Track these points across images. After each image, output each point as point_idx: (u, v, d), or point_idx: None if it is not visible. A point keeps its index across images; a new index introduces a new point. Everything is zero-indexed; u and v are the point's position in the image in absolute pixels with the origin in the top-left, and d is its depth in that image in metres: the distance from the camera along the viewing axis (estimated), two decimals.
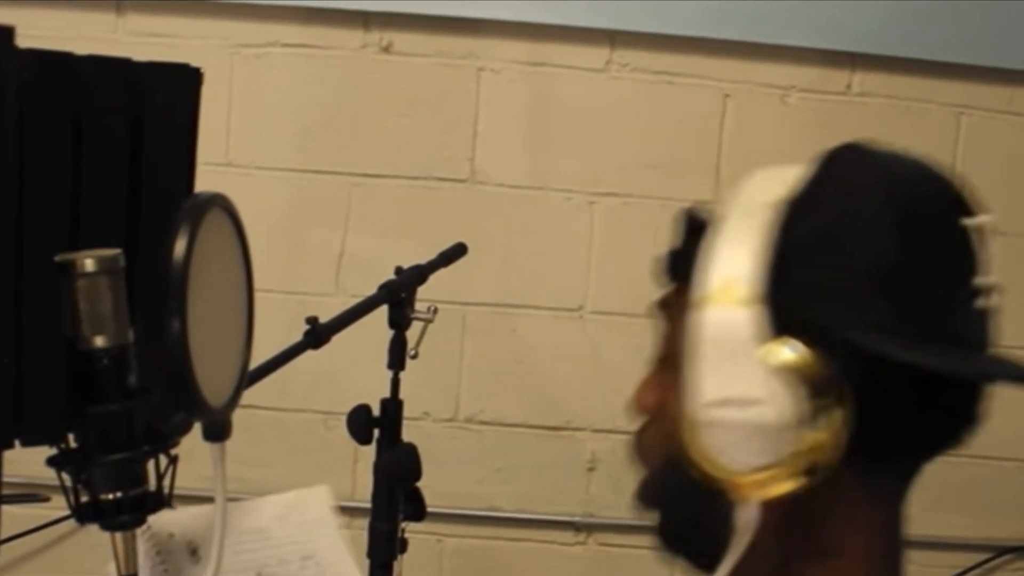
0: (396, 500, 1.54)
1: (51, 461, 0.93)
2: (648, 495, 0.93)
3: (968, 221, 0.82)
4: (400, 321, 1.55)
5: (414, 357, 1.57)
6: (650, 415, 0.95)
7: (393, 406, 1.57)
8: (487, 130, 2.30)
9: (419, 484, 1.60)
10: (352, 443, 1.59)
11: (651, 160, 2.30)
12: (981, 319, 0.83)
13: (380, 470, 1.54)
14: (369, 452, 1.61)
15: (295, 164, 2.30)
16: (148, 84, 1.02)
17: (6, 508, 1.07)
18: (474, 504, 2.39)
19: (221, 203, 0.89)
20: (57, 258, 0.90)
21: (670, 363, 0.89)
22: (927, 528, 2.38)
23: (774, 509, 0.79)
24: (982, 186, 2.54)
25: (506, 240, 2.35)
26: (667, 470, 0.88)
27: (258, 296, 2.01)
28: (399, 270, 1.60)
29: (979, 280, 0.81)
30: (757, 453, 0.78)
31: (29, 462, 0.96)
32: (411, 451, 1.54)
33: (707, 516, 0.84)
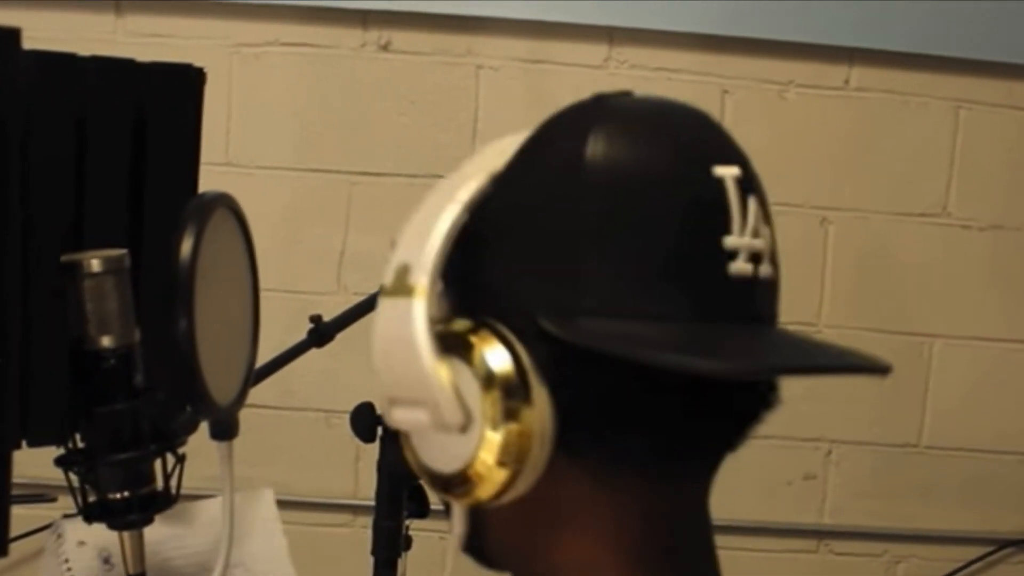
0: (399, 497, 1.54)
1: (59, 461, 0.94)
2: None
3: (720, 170, 0.70)
4: None
5: None
6: None
7: None
8: (486, 127, 2.30)
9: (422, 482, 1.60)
10: (354, 441, 1.59)
11: None
12: (738, 287, 0.70)
13: (383, 468, 1.54)
14: (371, 450, 1.61)
15: (295, 163, 2.30)
16: (151, 84, 1.02)
17: (13, 508, 1.08)
18: None
19: (227, 202, 0.90)
20: (63, 259, 0.91)
21: None
22: (929, 521, 2.39)
23: (509, 517, 0.73)
24: (982, 181, 2.56)
25: None
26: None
27: (260, 294, 2.02)
28: None
29: (731, 240, 0.69)
30: (444, 456, 0.70)
31: (35, 463, 0.96)
32: None
33: (475, 527, 0.76)
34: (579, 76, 2.28)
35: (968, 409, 2.37)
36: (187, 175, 1.06)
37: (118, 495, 0.93)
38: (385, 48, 2.28)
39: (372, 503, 1.58)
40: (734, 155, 0.72)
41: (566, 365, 0.68)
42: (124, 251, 0.92)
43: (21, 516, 1.07)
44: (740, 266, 0.69)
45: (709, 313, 0.69)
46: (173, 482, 0.96)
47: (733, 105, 2.30)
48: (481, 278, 0.71)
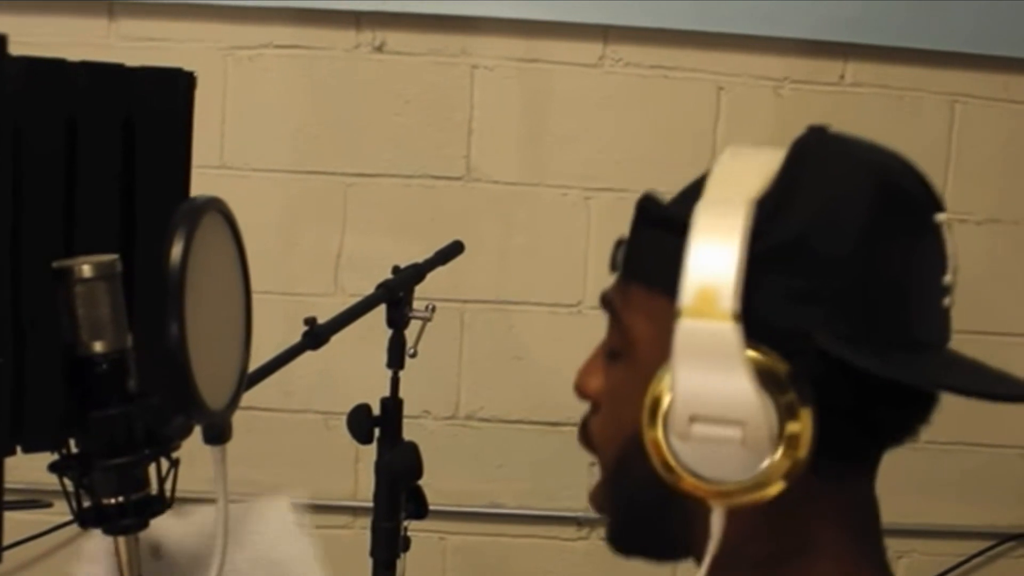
0: (398, 499, 1.54)
1: (53, 467, 0.94)
2: (602, 499, 0.92)
3: (939, 217, 0.81)
4: (398, 320, 1.55)
5: (413, 356, 1.57)
6: (592, 402, 0.93)
7: (393, 405, 1.57)
8: (482, 127, 2.30)
9: (421, 482, 1.60)
10: (353, 443, 1.60)
11: (646, 154, 2.30)
12: (945, 317, 0.82)
13: (381, 469, 1.54)
14: (370, 452, 1.61)
15: (290, 165, 2.30)
16: (141, 89, 1.02)
17: (8, 515, 1.08)
18: (476, 501, 2.40)
19: (217, 207, 0.90)
20: (55, 264, 0.90)
21: (620, 358, 0.88)
22: (929, 516, 2.39)
23: (745, 513, 0.78)
24: (978, 175, 2.55)
25: (503, 237, 2.35)
26: (622, 470, 0.87)
27: (256, 298, 2.01)
28: (396, 269, 1.60)
29: (947, 279, 0.81)
30: (732, 468, 0.76)
31: (30, 468, 0.96)
32: (412, 450, 1.55)
33: (661, 509, 0.84)
34: (574, 75, 2.29)
35: (967, 403, 2.35)
36: (178, 179, 1.06)
37: (113, 500, 0.92)
38: (379, 49, 2.28)
39: (371, 504, 1.58)
40: (942, 202, 0.84)
41: (834, 387, 0.76)
42: (115, 256, 0.92)
43: (16, 522, 1.08)
44: (949, 300, 0.82)
45: (937, 340, 0.82)
46: (168, 486, 0.95)
47: (728, 102, 2.30)
48: (756, 302, 0.76)
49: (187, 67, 1.06)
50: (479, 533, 2.40)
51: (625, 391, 0.85)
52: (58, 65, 0.97)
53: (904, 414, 0.83)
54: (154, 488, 0.95)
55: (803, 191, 0.79)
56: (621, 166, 2.32)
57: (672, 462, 0.78)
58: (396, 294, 1.54)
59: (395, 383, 1.58)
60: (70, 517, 0.96)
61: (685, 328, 0.76)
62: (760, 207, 0.77)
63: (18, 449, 0.91)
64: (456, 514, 2.35)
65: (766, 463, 0.75)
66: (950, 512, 2.40)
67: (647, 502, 0.85)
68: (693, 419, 0.76)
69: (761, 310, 0.76)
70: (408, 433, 1.63)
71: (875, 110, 2.30)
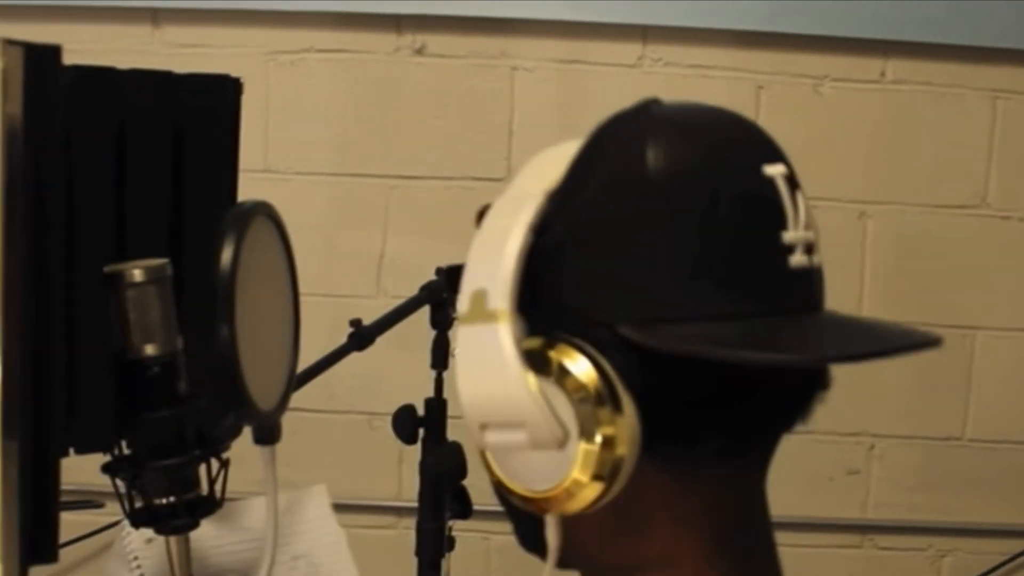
0: (442, 499, 1.55)
1: (105, 468, 0.96)
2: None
3: (768, 171, 0.73)
4: (442, 321, 1.56)
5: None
6: None
7: (437, 405, 1.58)
8: (522, 129, 2.31)
9: (466, 482, 1.61)
10: (397, 443, 1.61)
11: None
12: (802, 278, 0.73)
13: (425, 469, 1.55)
14: (415, 452, 1.62)
15: (333, 168, 2.32)
16: (189, 96, 1.03)
17: (63, 515, 1.10)
18: None
19: (266, 211, 0.91)
20: (106, 269, 0.92)
21: None
22: (973, 515, 2.37)
23: (591, 519, 0.72)
24: (1021, 170, 2.52)
25: None
26: (493, 486, 0.81)
27: (300, 300, 2.03)
28: (439, 271, 1.61)
29: (789, 235, 0.72)
30: (538, 473, 0.71)
31: (82, 469, 0.98)
32: (456, 450, 1.56)
33: (533, 527, 0.76)
34: (613, 75, 2.29)
35: (1012, 400, 2.35)
36: (226, 184, 1.08)
37: (164, 500, 0.94)
38: (419, 52, 2.29)
39: (416, 505, 1.59)
40: (778, 154, 0.75)
41: (647, 372, 0.70)
42: (166, 260, 0.93)
43: (70, 522, 1.10)
44: (799, 259, 0.72)
45: (776, 307, 0.72)
46: (218, 486, 0.97)
47: (768, 101, 2.30)
48: (551, 296, 0.72)
49: (230, 72, 1.07)
50: None
51: None
52: (108, 73, 0.99)
53: (738, 397, 0.73)
54: (204, 488, 0.97)
55: (591, 174, 0.74)
56: None
57: (499, 475, 0.74)
58: (439, 296, 1.55)
59: (439, 384, 1.59)
60: (121, 517, 0.98)
61: (461, 335, 0.72)
62: (551, 199, 0.73)
63: (72, 451, 0.93)
64: (500, 514, 2.35)
65: (573, 461, 0.69)
66: (995, 510, 2.38)
67: (514, 512, 0.80)
68: (483, 427, 0.72)
69: (557, 303, 0.72)
70: (456, 433, 1.63)
71: (916, 107, 2.29)
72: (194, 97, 1.04)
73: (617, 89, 2.29)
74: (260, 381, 0.87)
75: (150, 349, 0.92)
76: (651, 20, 2.26)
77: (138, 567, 1.17)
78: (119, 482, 0.96)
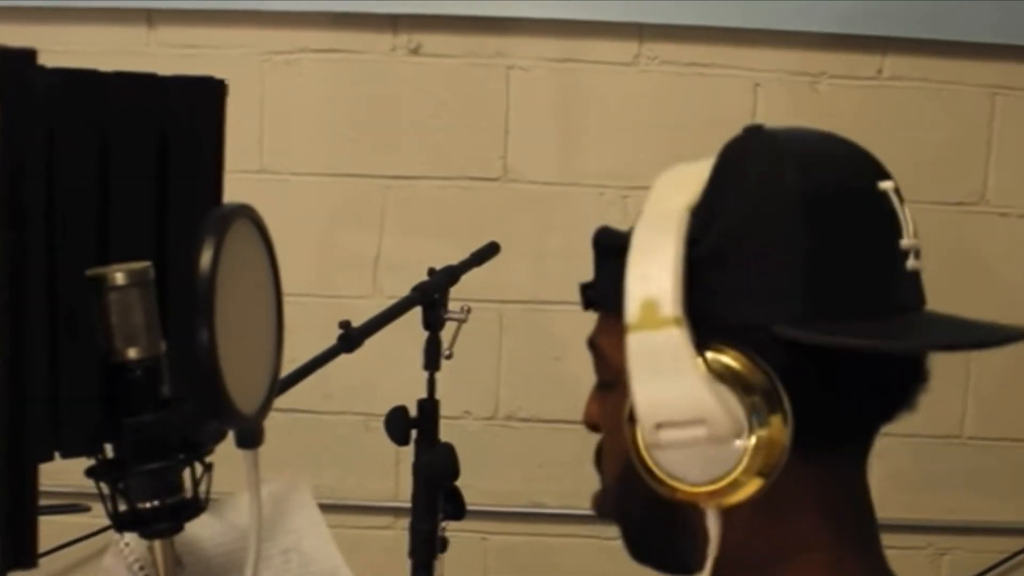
0: (435, 500, 1.54)
1: (90, 472, 0.95)
2: (604, 508, 0.96)
3: (883, 185, 0.83)
4: (434, 322, 1.56)
5: (448, 357, 1.57)
6: (598, 430, 0.98)
7: (430, 406, 1.58)
8: (518, 128, 2.30)
9: (462, 483, 1.60)
10: (394, 444, 1.60)
11: (683, 152, 2.23)
12: (913, 280, 0.83)
13: (418, 470, 1.55)
14: (411, 452, 1.62)
15: (329, 168, 2.31)
16: (174, 98, 1.03)
17: (49, 519, 1.09)
18: (518, 501, 2.40)
19: (247, 213, 0.91)
20: (88, 272, 0.92)
21: (611, 387, 0.91)
22: (972, 513, 2.37)
23: (738, 512, 0.80)
24: (1020, 168, 2.51)
25: (540, 237, 2.35)
26: (622, 484, 0.89)
27: (296, 301, 2.03)
28: (432, 271, 1.61)
29: (905, 242, 0.82)
30: (708, 467, 0.79)
31: (74, 472, 0.98)
32: (448, 451, 1.55)
33: (668, 525, 0.87)
34: (610, 74, 2.29)
35: (1010, 398, 2.34)
36: (212, 186, 1.07)
37: (148, 504, 0.94)
38: (415, 52, 2.29)
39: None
40: (885, 171, 0.85)
41: (800, 371, 0.78)
42: (148, 264, 0.93)
43: (58, 525, 1.10)
44: (912, 262, 0.82)
45: (898, 305, 0.82)
46: (202, 489, 0.97)
47: (765, 98, 2.29)
48: (706, 304, 0.79)
49: (225, 73, 1.07)
50: (520, 533, 2.41)
51: (616, 417, 0.87)
52: (91, 76, 0.98)
53: (885, 387, 0.83)
54: (189, 492, 0.97)
55: (732, 191, 0.82)
56: (658, 164, 2.30)
57: (660, 474, 0.80)
58: (431, 296, 1.54)
59: (431, 385, 1.58)
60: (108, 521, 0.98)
61: (634, 342, 0.79)
62: (695, 215, 0.81)
63: (58, 455, 0.93)
64: (497, 514, 2.36)
65: (742, 455, 0.77)
66: (994, 508, 2.37)
67: (650, 518, 0.88)
68: (660, 426, 0.79)
69: (712, 311, 0.80)
70: (449, 433, 1.63)
71: (914, 103, 2.28)
72: (179, 100, 1.03)
73: (613, 87, 2.29)
74: (242, 385, 0.86)
75: (133, 353, 0.92)
76: (647, 18, 2.26)
77: (141, 568, 1.16)
78: (103, 486, 0.95)
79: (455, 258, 1.72)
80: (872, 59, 2.28)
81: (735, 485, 0.78)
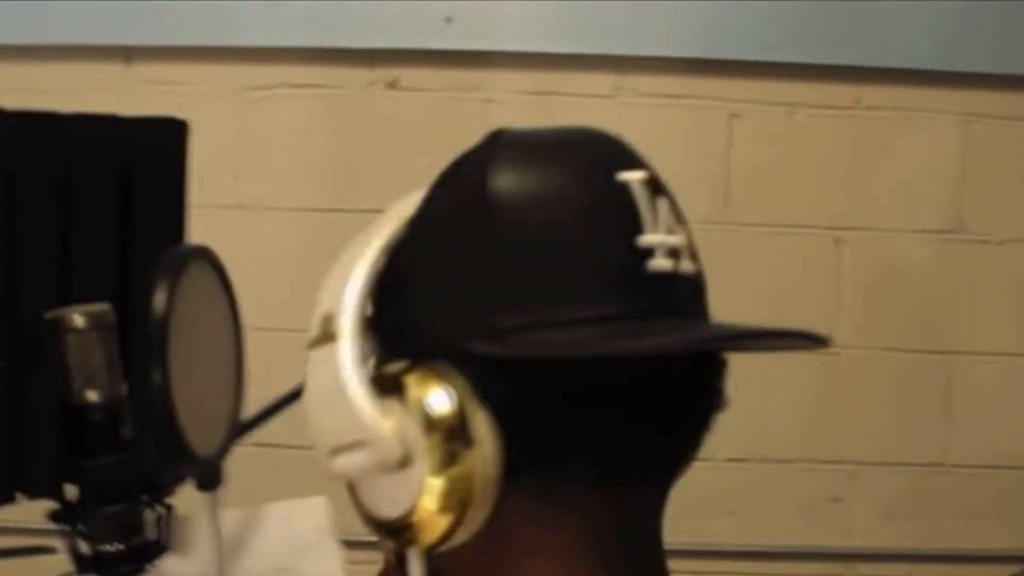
0: None
1: (52, 516, 0.95)
2: None
3: (623, 176, 0.71)
4: None
5: None
6: None
7: None
8: None
9: None
10: None
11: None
12: (659, 283, 0.70)
13: None
14: None
15: (307, 203, 2.31)
16: (135, 138, 1.03)
17: (17, 561, 1.09)
18: None
19: (203, 255, 0.91)
20: (47, 315, 0.92)
21: None
22: (958, 541, 2.36)
23: (459, 553, 0.69)
24: (995, 194, 2.51)
25: None
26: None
27: (272, 335, 2.03)
28: None
29: (645, 239, 0.70)
30: (392, 497, 0.68)
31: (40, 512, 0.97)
32: None
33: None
34: (588, 106, 2.29)
35: (994, 425, 2.34)
36: (173, 225, 1.07)
37: (110, 547, 0.93)
38: (392, 86, 2.29)
39: None
40: (638, 163, 0.74)
41: (501, 388, 0.67)
42: (107, 306, 0.93)
43: (22, 570, 1.09)
44: (658, 262, 0.70)
45: (633, 312, 0.69)
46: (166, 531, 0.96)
47: (742, 128, 2.29)
48: (405, 319, 0.71)
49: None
50: None
51: None
52: (50, 118, 0.99)
53: (616, 419, 0.70)
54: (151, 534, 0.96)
55: (437, 202, 0.75)
56: None
57: (365, 510, 0.72)
58: None
59: None
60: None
61: (310, 361, 0.73)
62: (406, 225, 0.75)
63: (21, 496, 0.92)
64: None
65: (421, 492, 0.67)
66: (980, 535, 2.36)
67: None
68: (334, 452, 0.70)
69: (407, 326, 0.71)
70: None
71: (890, 132, 2.28)
72: (140, 139, 1.04)
73: (592, 120, 2.27)
74: (199, 427, 0.86)
75: (92, 395, 0.92)
76: (625, 50, 2.26)
77: None
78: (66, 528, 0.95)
79: None
80: (849, 89, 2.28)
81: (421, 523, 0.67)
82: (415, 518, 0.67)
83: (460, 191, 0.74)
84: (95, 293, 0.97)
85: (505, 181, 0.71)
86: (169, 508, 0.95)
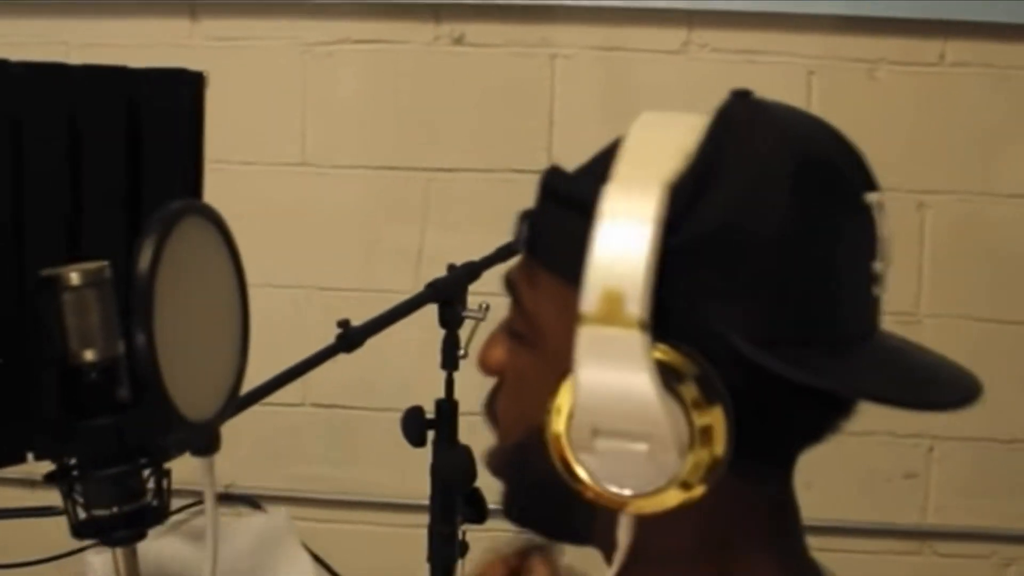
0: (453, 503, 1.50)
1: (48, 477, 0.92)
2: (498, 467, 0.86)
3: (869, 198, 0.75)
4: (450, 320, 1.51)
5: (464, 357, 1.52)
6: (497, 377, 0.86)
7: (448, 407, 1.53)
8: (563, 118, 2.25)
9: (485, 485, 1.56)
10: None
11: None
12: (874, 306, 0.76)
13: (436, 473, 1.51)
14: None
15: (371, 161, 2.28)
16: (145, 90, 1.00)
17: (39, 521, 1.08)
18: None
19: (198, 210, 0.87)
20: (43, 272, 0.89)
21: (526, 341, 0.82)
22: (975, 519, 2.26)
23: (660, 518, 0.73)
24: None
25: None
26: (521, 453, 0.80)
27: (339, 295, 2.02)
28: (451, 267, 1.56)
29: (877, 266, 0.74)
30: (642, 479, 0.71)
31: None
32: (466, 453, 1.50)
33: (562, 502, 0.76)
34: (657, 62, 2.22)
35: None
36: (188, 180, 1.04)
37: (107, 511, 0.91)
38: (458, 42, 2.24)
39: None
40: (873, 179, 0.77)
41: (746, 384, 0.70)
42: (104, 263, 0.90)
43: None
44: (879, 289, 0.75)
45: (862, 332, 0.76)
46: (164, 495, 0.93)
47: (820, 87, 2.21)
48: (670, 298, 0.70)
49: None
50: None
51: (531, 377, 0.80)
52: (59, 69, 0.96)
53: (825, 414, 0.77)
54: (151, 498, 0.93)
55: (724, 174, 0.72)
56: None
57: (576, 471, 0.73)
58: (445, 293, 1.49)
59: (449, 385, 1.54)
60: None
61: (587, 336, 0.70)
62: (676, 193, 0.71)
63: (30, 456, 0.91)
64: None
65: (678, 471, 0.70)
66: (999, 514, 2.26)
67: (545, 491, 0.77)
68: (595, 433, 0.71)
69: (674, 308, 0.70)
70: (474, 434, 1.59)
71: (978, 91, 2.18)
72: (151, 92, 1.00)
73: (661, 76, 2.22)
74: (191, 390, 0.83)
75: (89, 355, 0.89)
76: (696, 4, 2.18)
77: None
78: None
79: None
80: (933, 44, 2.18)
81: (659, 497, 0.71)
82: (653, 494, 0.71)
83: (744, 183, 0.72)
84: (104, 250, 0.94)
85: (794, 187, 0.72)
86: (166, 473, 0.92)
